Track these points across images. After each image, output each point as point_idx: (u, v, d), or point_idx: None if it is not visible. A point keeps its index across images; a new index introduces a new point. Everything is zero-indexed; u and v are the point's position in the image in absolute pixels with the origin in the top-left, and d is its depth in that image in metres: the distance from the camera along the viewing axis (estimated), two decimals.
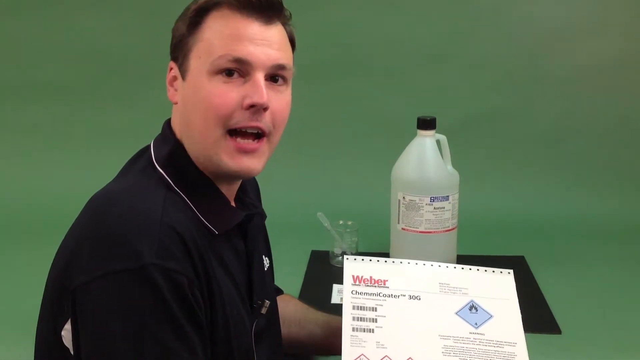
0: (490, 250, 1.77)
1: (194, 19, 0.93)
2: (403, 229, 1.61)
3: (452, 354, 1.01)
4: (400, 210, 1.60)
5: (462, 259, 1.66)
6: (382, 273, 1.10)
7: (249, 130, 0.93)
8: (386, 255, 1.68)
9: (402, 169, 1.61)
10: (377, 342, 1.01)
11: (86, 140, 2.16)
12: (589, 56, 2.08)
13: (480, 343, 1.03)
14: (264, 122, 0.93)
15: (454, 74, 2.10)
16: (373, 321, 1.04)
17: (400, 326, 1.03)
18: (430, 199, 1.57)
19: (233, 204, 1.03)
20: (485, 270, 1.13)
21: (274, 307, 1.12)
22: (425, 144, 1.59)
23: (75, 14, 2.12)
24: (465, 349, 1.02)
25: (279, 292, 1.27)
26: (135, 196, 0.90)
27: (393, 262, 1.12)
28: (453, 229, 1.62)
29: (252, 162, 0.94)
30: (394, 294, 1.07)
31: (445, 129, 1.64)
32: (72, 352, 0.89)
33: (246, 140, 0.93)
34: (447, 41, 2.09)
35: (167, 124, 1.00)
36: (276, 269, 1.21)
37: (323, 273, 1.66)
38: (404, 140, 1.63)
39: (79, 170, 2.09)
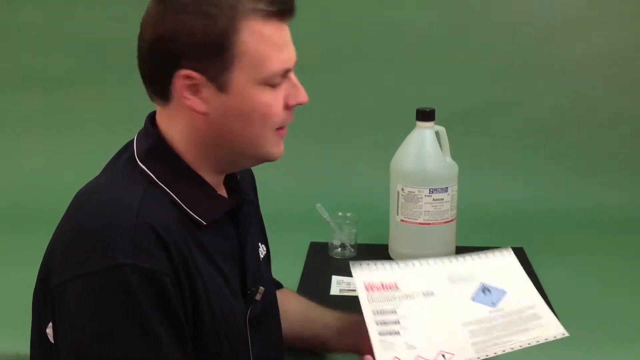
0: (489, 242, 1.75)
1: (230, 30, 0.89)
2: (402, 220, 1.61)
3: (480, 335, 1.03)
4: (399, 202, 1.60)
5: (461, 251, 1.66)
6: (391, 277, 1.12)
7: None
8: (385, 247, 1.69)
9: (401, 160, 1.61)
10: (405, 343, 1.02)
11: (85, 131, 2.15)
12: (589, 47, 2.07)
13: (503, 317, 1.06)
14: None
15: (453, 65, 2.09)
16: (396, 323, 1.05)
17: (423, 324, 1.05)
18: (429, 190, 1.57)
19: (224, 193, 1.03)
20: (486, 255, 1.18)
21: (270, 294, 1.12)
22: (424, 135, 1.59)
23: (73, 3, 2.12)
24: (490, 326, 1.05)
25: (279, 285, 1.26)
26: (113, 193, 0.90)
27: (398, 264, 1.14)
28: (452, 220, 1.62)
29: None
30: (408, 295, 1.09)
31: (444, 120, 1.64)
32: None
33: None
34: (447, 31, 2.08)
35: (150, 118, 0.99)
36: (275, 260, 1.21)
37: (322, 264, 1.66)
38: (403, 132, 1.63)
39: (77, 161, 2.08)
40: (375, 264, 1.13)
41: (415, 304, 1.08)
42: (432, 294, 1.10)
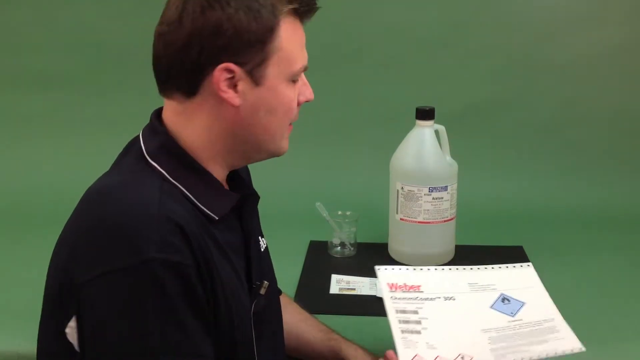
0: (489, 240, 1.77)
1: (271, 25, 0.93)
2: (402, 219, 1.61)
3: (498, 342, 1.06)
4: (399, 201, 1.60)
5: (461, 249, 1.67)
6: (414, 280, 1.16)
7: None
8: (385, 246, 1.69)
9: (400, 159, 1.61)
10: (426, 342, 1.05)
11: (84, 130, 2.15)
12: (589, 45, 2.07)
13: (521, 327, 1.09)
14: None
15: (453, 64, 2.09)
16: (417, 323, 1.08)
17: (443, 326, 1.08)
18: (429, 189, 1.57)
19: (226, 187, 1.04)
20: (507, 267, 1.21)
21: (273, 288, 1.14)
22: (424, 134, 1.59)
23: (73, 3, 2.11)
24: (509, 335, 1.08)
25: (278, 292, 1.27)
26: (131, 190, 0.91)
27: (421, 269, 1.19)
28: (451, 219, 1.62)
29: None
30: (430, 297, 1.13)
31: (444, 119, 1.64)
32: (77, 349, 0.90)
33: None
34: (446, 30, 2.08)
35: (156, 115, 1.00)
36: (275, 259, 1.21)
37: (322, 263, 1.66)
38: (403, 131, 1.63)
39: (77, 160, 2.09)
40: (400, 268, 1.18)
41: (436, 306, 1.12)
42: (452, 298, 1.14)
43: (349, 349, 1.22)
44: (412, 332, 1.06)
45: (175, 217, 0.87)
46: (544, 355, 1.06)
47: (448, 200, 1.59)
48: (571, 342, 1.09)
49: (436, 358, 1.03)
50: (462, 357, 1.04)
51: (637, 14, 2.05)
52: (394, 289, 1.14)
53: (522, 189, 2.05)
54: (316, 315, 1.31)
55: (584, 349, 1.08)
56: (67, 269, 0.89)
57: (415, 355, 1.03)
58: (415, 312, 1.10)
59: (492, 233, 1.83)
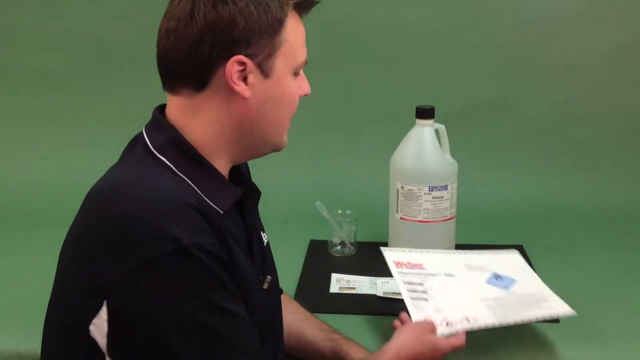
0: (489, 240, 1.77)
1: (280, 18, 0.95)
2: (402, 218, 1.61)
3: (498, 308, 1.23)
4: (399, 200, 1.60)
5: (461, 249, 1.66)
6: (417, 259, 1.35)
7: None
8: (385, 245, 1.68)
9: (400, 158, 1.62)
10: (434, 307, 1.21)
11: (84, 130, 2.15)
12: (590, 44, 2.07)
13: (516, 298, 1.27)
14: None
15: (453, 63, 2.09)
16: (424, 293, 1.25)
17: (446, 296, 1.25)
18: (429, 188, 1.57)
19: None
20: (496, 252, 1.44)
21: (275, 283, 1.14)
22: (424, 133, 1.59)
23: (73, 1, 2.11)
24: (505, 303, 1.25)
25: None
26: (147, 183, 0.91)
27: (421, 251, 1.39)
28: (451, 218, 1.62)
29: None
30: (432, 273, 1.32)
31: (444, 118, 1.64)
32: (100, 345, 0.89)
33: None
34: (446, 29, 2.08)
35: (159, 110, 1.01)
36: (275, 258, 1.22)
37: (322, 262, 1.66)
38: (403, 130, 1.63)
39: (77, 160, 2.09)
40: (403, 250, 1.38)
41: (438, 280, 1.29)
42: (452, 275, 1.32)
43: (350, 349, 1.21)
44: (420, 299, 1.23)
45: (195, 205, 0.89)
46: (540, 318, 1.23)
47: (448, 199, 1.59)
48: (563, 308, 1.26)
49: (443, 319, 1.17)
50: (468, 319, 1.18)
51: (637, 14, 2.05)
52: (400, 266, 1.31)
53: (522, 188, 2.04)
54: (316, 315, 1.31)
55: (576, 314, 1.24)
56: (90, 268, 0.89)
57: (426, 316, 1.18)
58: (421, 284, 1.27)
59: (492, 232, 1.83)
